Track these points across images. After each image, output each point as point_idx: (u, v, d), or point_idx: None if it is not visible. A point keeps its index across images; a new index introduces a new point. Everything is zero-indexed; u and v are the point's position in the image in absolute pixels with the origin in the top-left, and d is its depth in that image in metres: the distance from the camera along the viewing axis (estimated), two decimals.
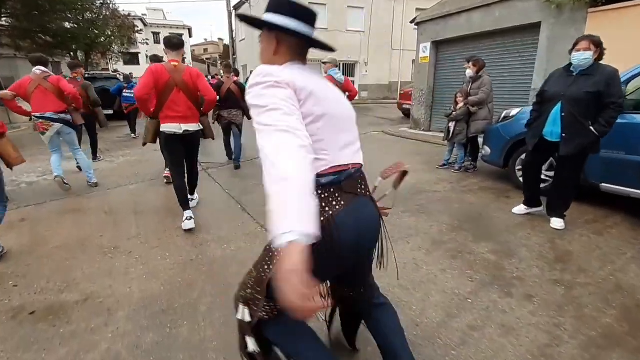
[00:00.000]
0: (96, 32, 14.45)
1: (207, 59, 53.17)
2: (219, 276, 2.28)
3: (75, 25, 14.71)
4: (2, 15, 12.24)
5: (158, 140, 3.10)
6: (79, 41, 14.40)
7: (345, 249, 0.95)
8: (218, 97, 4.38)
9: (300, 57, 1.04)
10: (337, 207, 0.94)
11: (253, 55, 18.96)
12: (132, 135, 8.62)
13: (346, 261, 1.02)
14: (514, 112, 4.14)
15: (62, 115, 3.90)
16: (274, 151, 0.74)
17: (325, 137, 0.93)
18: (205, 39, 61.93)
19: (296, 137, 0.76)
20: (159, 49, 36.47)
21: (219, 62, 48.81)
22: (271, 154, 0.74)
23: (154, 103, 2.88)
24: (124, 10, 20.01)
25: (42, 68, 3.87)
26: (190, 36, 39.90)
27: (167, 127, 2.87)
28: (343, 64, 18.10)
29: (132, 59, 31.81)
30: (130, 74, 9.01)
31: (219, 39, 60.64)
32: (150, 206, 3.69)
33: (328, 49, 1.09)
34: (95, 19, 15.87)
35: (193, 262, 2.48)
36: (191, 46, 42.54)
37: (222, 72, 5.42)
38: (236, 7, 20.68)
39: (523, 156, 3.90)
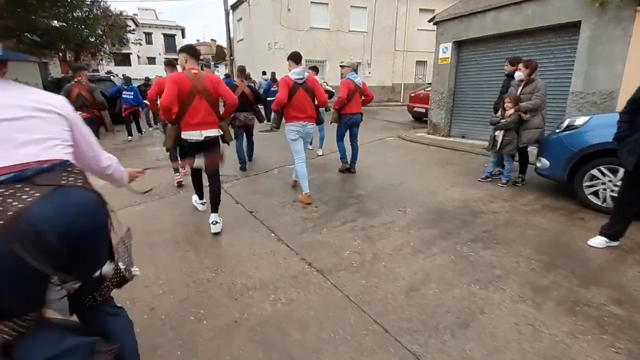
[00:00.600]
0: (87, 31, 13.67)
1: (200, 60, 52.24)
2: (281, 350, 1.70)
3: (64, 24, 13.88)
4: None
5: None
6: (69, 40, 13.60)
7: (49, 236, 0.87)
8: None
9: None
10: (30, 199, 0.89)
11: (251, 56, 18.36)
12: (129, 138, 8.05)
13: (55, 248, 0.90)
14: (580, 120, 3.64)
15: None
16: None
17: None
18: (198, 40, 60.79)
19: None
20: (151, 50, 35.81)
21: (212, 63, 48.05)
22: None
23: (175, 110, 2.87)
24: (115, 9, 19.19)
25: None
26: (184, 37, 38.99)
27: (188, 135, 2.92)
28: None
29: (124, 60, 30.80)
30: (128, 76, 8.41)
31: (212, 39, 59.71)
32: (167, 234, 3.08)
33: None
34: (85, 18, 15.05)
35: (238, 324, 1.89)
36: None
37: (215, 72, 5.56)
38: (234, 7, 20.01)
39: (594, 171, 3.44)
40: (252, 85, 5.65)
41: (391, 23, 17.63)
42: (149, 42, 35.36)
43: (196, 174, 3.40)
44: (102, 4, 17.62)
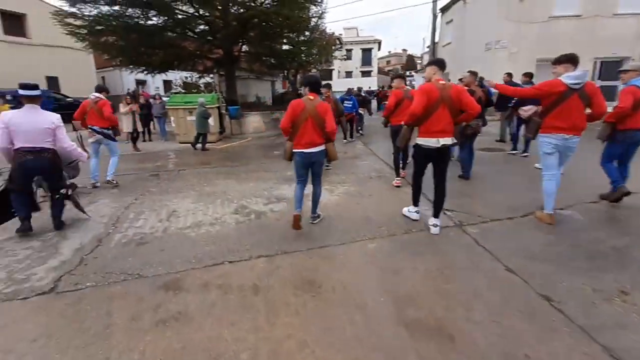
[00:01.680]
0: (307, 51, 15.47)
1: (389, 70, 53.60)
2: None
3: (292, 46, 16.09)
4: (243, 43, 14.33)
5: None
6: (294, 60, 15.69)
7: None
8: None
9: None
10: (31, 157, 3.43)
11: (458, 60, 16.16)
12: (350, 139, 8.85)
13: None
14: None
15: (103, 130, 5.36)
16: None
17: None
18: (390, 51, 63.08)
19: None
20: (348, 65, 39.01)
21: (402, 72, 48.02)
22: None
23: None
24: (330, 29, 21.25)
25: (97, 94, 5.37)
26: (379, 49, 40.52)
27: (424, 141, 3.20)
28: (603, 63, 12.75)
29: (326, 76, 34.66)
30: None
31: (403, 49, 60.42)
32: (422, 301, 1.79)
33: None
34: (308, 40, 17.13)
35: None
36: (378, 59, 43.25)
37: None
38: (444, 9, 18.34)
39: None
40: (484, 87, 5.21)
41: None
42: (348, 57, 38.65)
43: (418, 178, 3.57)
44: (319, 27, 19.87)
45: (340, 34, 38.95)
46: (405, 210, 3.84)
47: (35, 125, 3.43)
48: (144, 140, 11.50)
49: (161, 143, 11.01)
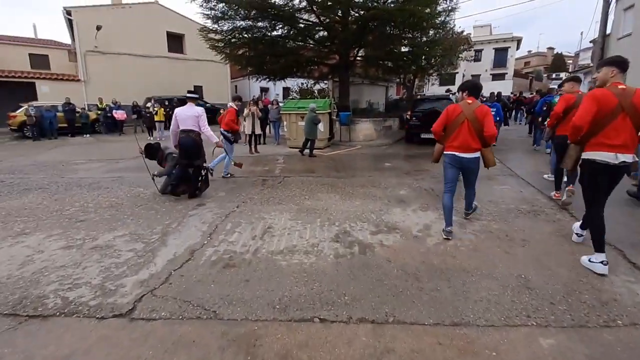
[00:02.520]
0: (435, 52, 13.88)
1: (527, 73, 45.87)
2: None
3: (412, 48, 14.70)
4: (360, 47, 13.78)
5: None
6: (415, 62, 14.33)
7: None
8: None
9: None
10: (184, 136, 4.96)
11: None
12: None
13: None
14: None
15: (224, 132, 6.32)
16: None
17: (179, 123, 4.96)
18: (530, 51, 54.08)
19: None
20: (477, 67, 34.62)
21: (544, 75, 40.31)
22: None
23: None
24: (460, 27, 18.98)
25: (231, 103, 6.74)
26: (518, 48, 34.84)
27: (598, 155, 2.61)
28: None
29: (449, 79, 31.48)
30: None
31: (549, 48, 50.87)
32: None
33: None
34: (431, 39, 15.50)
35: None
36: (515, 59, 37.20)
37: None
38: None
39: None
40: None
41: None
42: (476, 59, 34.30)
43: (595, 209, 2.75)
44: (447, 24, 17.86)
45: (469, 33, 34.93)
46: (585, 259, 2.80)
47: (189, 114, 4.89)
48: (258, 143, 12.13)
49: (273, 147, 11.35)
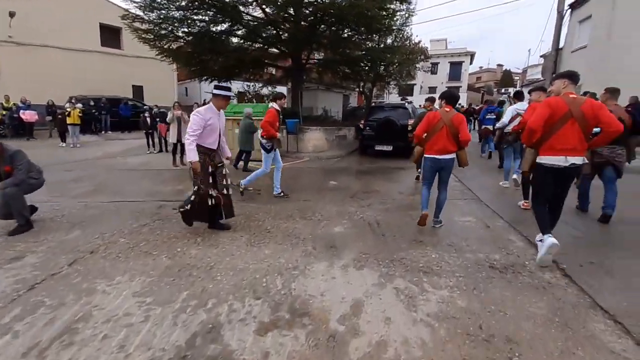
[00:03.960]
0: (388, 56, 13.02)
1: (479, 87, 47.95)
2: None
3: (368, 54, 13.72)
4: (313, 49, 12.54)
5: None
6: (373, 69, 13.36)
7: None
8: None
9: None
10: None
11: (599, 70, 11.94)
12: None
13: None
14: None
15: (261, 139, 5.01)
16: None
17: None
18: (481, 67, 56.83)
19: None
20: (433, 79, 35.22)
21: (495, 89, 42.18)
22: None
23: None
24: (417, 36, 18.54)
25: (272, 104, 5.12)
26: (471, 63, 35.96)
27: (548, 160, 2.86)
28: None
29: (407, 90, 31.49)
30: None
31: (498, 64, 53.72)
32: None
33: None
34: (392, 46, 14.69)
35: None
36: (469, 74, 38.56)
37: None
38: (576, 4, 14.17)
39: None
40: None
41: None
42: (433, 72, 34.92)
43: (540, 205, 3.06)
44: (404, 33, 17.31)
45: (426, 47, 35.54)
46: (537, 238, 3.09)
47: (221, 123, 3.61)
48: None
49: None
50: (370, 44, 13.46)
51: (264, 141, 4.98)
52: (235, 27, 11.51)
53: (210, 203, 3.44)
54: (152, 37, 11.17)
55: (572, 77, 2.92)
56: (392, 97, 29.14)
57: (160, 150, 10.75)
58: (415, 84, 32.54)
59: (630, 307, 2.24)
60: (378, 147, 9.26)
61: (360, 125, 9.80)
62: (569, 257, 3.00)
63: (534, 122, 2.80)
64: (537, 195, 3.11)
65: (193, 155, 3.22)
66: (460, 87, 34.27)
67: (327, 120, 14.14)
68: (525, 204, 4.49)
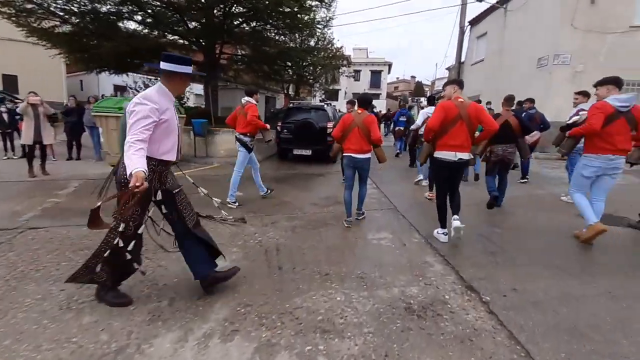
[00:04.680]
0: (310, 56, 12.49)
1: (397, 96, 51.51)
2: None
3: (291, 49, 12.98)
4: (225, 42, 11.32)
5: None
6: (292, 68, 12.66)
7: None
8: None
9: None
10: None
11: (494, 81, 13.11)
12: None
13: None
14: None
15: (240, 136, 4.74)
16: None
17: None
18: (398, 77, 61.18)
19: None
20: (357, 86, 36.50)
21: (409, 98, 45.75)
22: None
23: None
24: (338, 41, 18.54)
25: (247, 98, 4.80)
26: (389, 72, 38.15)
27: (443, 154, 3.33)
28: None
29: (332, 96, 31.98)
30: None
31: (412, 76, 58.46)
32: None
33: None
34: (315, 47, 14.23)
35: None
36: (387, 84, 40.97)
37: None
38: (475, 21, 15.49)
39: None
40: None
41: None
42: (356, 79, 36.21)
43: (441, 197, 3.51)
44: (327, 35, 17.12)
45: (349, 55, 36.65)
46: (435, 232, 3.57)
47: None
48: (70, 159, 8.28)
49: (89, 164, 7.76)
50: (292, 44, 12.78)
51: (247, 139, 4.72)
52: (131, 9, 9.71)
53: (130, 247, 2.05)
54: (13, 11, 8.75)
55: (460, 83, 3.51)
56: (319, 101, 29.20)
57: (24, 155, 8.42)
58: (340, 89, 33.23)
59: (569, 357, 1.77)
60: (297, 152, 8.53)
61: (278, 127, 8.96)
62: (491, 284, 2.56)
63: (432, 123, 3.27)
64: (438, 190, 3.58)
65: (138, 161, 1.76)
66: (380, 94, 36.22)
67: None
68: (430, 195, 5.04)
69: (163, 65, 2.02)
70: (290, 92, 19.95)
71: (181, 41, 11.19)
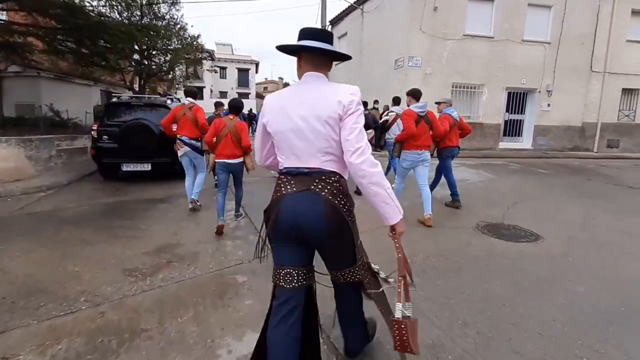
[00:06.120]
0: (147, 37, 9.64)
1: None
2: None
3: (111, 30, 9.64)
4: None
5: None
6: (121, 48, 9.41)
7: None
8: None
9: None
10: None
11: (356, 81, 13.20)
12: None
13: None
14: None
15: (192, 141, 4.44)
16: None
17: None
18: (266, 78, 60.73)
19: None
20: (224, 84, 33.67)
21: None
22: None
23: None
24: (192, 27, 15.75)
25: (190, 99, 4.61)
26: (257, 72, 36.75)
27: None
28: (511, 93, 11.52)
29: (196, 93, 28.24)
30: None
31: (279, 77, 58.90)
32: None
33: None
34: (154, 26, 11.22)
35: None
36: (256, 84, 39.58)
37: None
38: (335, 21, 15.43)
39: None
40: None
41: (588, 31, 11.33)
42: (222, 76, 33.39)
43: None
44: (178, 19, 14.20)
45: (213, 50, 33.25)
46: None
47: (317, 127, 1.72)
48: None
49: None
50: (117, 18, 9.54)
51: (198, 144, 4.48)
52: None
53: None
54: None
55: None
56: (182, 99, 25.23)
57: None
58: (205, 87, 29.77)
59: None
60: (127, 168, 5.92)
61: (93, 132, 6.08)
62: None
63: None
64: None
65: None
66: (250, 93, 34.63)
67: (43, 125, 8.88)
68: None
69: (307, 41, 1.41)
70: (132, 86, 15.88)
71: None
